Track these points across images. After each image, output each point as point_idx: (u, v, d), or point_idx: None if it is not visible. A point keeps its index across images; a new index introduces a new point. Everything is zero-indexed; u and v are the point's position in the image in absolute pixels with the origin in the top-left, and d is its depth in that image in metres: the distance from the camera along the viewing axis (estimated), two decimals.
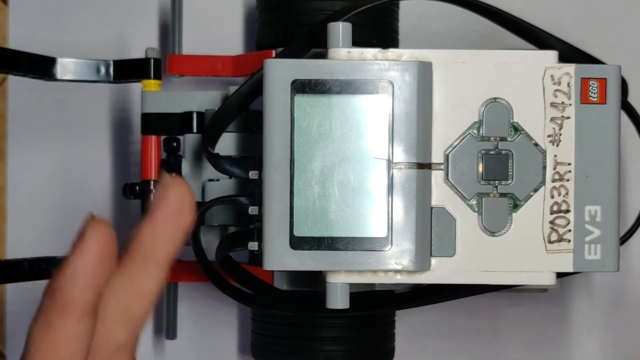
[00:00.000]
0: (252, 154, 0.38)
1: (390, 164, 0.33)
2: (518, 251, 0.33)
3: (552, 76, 0.34)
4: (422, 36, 0.48)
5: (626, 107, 0.39)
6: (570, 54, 0.37)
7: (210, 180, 0.42)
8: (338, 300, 0.33)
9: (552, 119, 0.34)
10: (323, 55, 0.34)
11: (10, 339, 0.50)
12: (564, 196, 0.34)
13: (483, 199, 0.33)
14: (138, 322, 0.28)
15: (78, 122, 0.50)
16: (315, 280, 0.39)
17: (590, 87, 0.34)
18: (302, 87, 0.33)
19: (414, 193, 0.33)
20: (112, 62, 0.44)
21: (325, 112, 0.33)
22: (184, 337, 0.49)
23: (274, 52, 0.42)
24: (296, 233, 0.33)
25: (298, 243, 0.33)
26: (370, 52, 0.33)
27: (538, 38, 0.38)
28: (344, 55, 0.33)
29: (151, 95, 0.44)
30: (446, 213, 0.33)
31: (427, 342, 0.49)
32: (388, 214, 0.33)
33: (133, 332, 0.27)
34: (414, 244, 0.33)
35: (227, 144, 0.41)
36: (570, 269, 0.34)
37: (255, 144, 0.41)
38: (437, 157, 0.33)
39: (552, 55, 0.34)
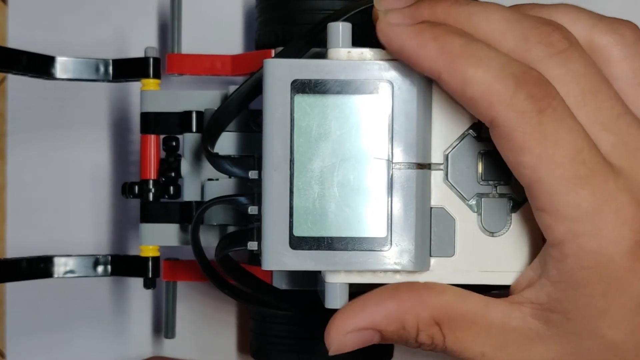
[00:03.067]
0: (251, 153, 0.38)
1: (389, 164, 0.33)
2: (517, 251, 0.33)
3: None
4: None
5: None
6: None
7: (210, 179, 0.42)
8: (337, 300, 0.33)
9: None
10: (323, 55, 0.34)
11: (10, 339, 0.50)
12: None
13: (482, 199, 0.33)
14: None
15: (77, 121, 0.50)
16: (314, 280, 0.39)
17: None
18: (302, 87, 0.33)
19: (413, 193, 0.33)
20: (111, 61, 0.44)
21: (325, 112, 0.33)
22: (183, 336, 0.49)
23: (273, 52, 0.42)
24: (296, 233, 0.33)
25: (297, 243, 0.33)
26: (370, 52, 0.33)
27: None
28: (344, 55, 0.33)
29: (150, 95, 0.44)
30: (445, 213, 0.33)
31: None
32: (387, 214, 0.33)
33: None
34: (414, 244, 0.33)
35: (226, 143, 0.41)
36: None
37: (255, 144, 0.41)
38: (436, 157, 0.33)
39: None
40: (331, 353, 0.33)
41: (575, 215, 0.29)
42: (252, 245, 0.35)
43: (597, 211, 0.28)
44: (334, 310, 0.33)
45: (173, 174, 0.43)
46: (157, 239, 0.43)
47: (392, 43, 0.30)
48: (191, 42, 0.48)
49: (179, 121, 0.43)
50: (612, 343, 0.30)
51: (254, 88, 0.38)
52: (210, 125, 0.39)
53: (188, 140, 0.43)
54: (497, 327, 0.31)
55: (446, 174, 0.33)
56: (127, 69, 0.44)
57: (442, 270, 0.33)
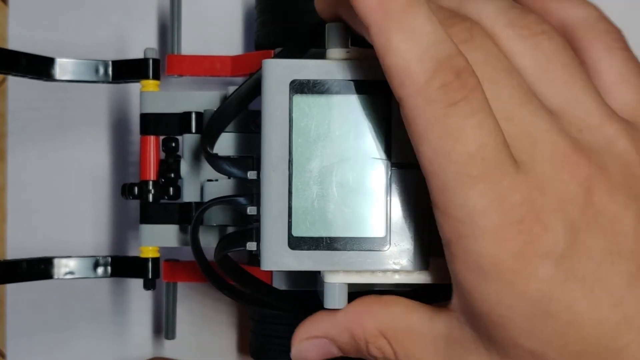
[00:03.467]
0: (250, 154, 0.38)
1: (388, 164, 0.33)
2: None
3: None
4: None
5: None
6: None
7: (209, 180, 0.42)
8: (336, 300, 0.33)
9: None
10: (322, 55, 0.34)
11: (10, 339, 0.50)
12: None
13: None
14: None
15: (77, 122, 0.50)
16: (314, 280, 0.39)
17: None
18: (300, 87, 0.33)
19: (412, 193, 0.33)
20: (110, 63, 0.44)
21: (324, 112, 0.33)
22: (183, 337, 0.49)
23: (272, 52, 0.42)
24: (294, 233, 0.33)
25: (296, 243, 0.33)
26: (369, 52, 0.33)
27: None
28: (343, 55, 0.33)
29: (150, 96, 0.44)
30: None
31: None
32: (386, 214, 0.33)
33: None
34: (413, 244, 0.33)
35: (225, 144, 0.41)
36: None
37: (254, 144, 0.41)
38: None
39: None
40: (292, 358, 0.33)
41: (460, 215, 0.27)
42: (251, 246, 0.35)
43: (483, 212, 0.27)
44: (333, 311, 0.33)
45: (172, 175, 0.43)
46: (156, 239, 0.43)
47: None
48: (191, 43, 0.48)
49: (179, 122, 0.43)
50: (533, 353, 0.28)
51: (253, 89, 0.38)
52: (209, 126, 0.39)
53: (187, 141, 0.43)
54: (443, 339, 0.30)
55: None
56: (126, 70, 0.44)
57: (441, 270, 0.33)
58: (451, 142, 0.27)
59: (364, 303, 0.32)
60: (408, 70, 0.27)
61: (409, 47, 0.27)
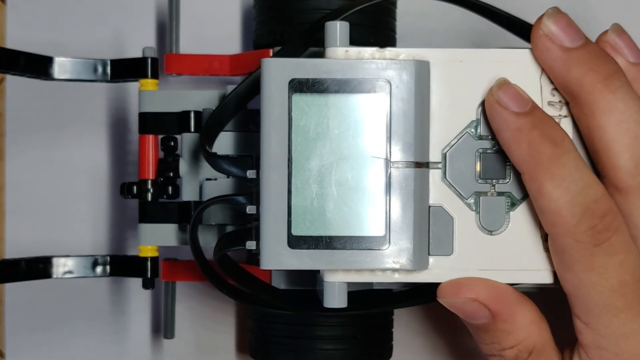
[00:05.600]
0: (249, 153, 0.38)
1: (388, 163, 0.33)
2: (515, 250, 0.33)
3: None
4: (419, 35, 0.48)
5: None
6: None
7: (208, 179, 0.42)
8: (336, 299, 0.33)
9: None
10: (320, 55, 0.34)
11: (10, 339, 0.50)
12: None
13: (480, 197, 0.33)
14: None
15: (76, 122, 0.50)
16: (313, 279, 0.39)
17: None
18: (299, 86, 0.33)
19: (411, 192, 0.33)
20: (109, 62, 0.44)
21: (323, 111, 0.33)
22: (182, 336, 0.49)
23: (271, 51, 0.42)
24: (294, 232, 0.33)
25: (296, 242, 0.33)
26: (368, 51, 0.33)
27: None
28: (342, 54, 0.33)
29: (148, 95, 0.44)
30: (444, 212, 0.33)
31: (425, 341, 0.49)
32: (386, 213, 0.33)
33: None
34: (412, 243, 0.33)
35: (224, 143, 0.41)
36: None
37: (253, 143, 0.41)
38: (434, 156, 0.33)
39: None
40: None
41: (603, 333, 0.32)
42: (251, 245, 0.35)
43: (624, 336, 0.31)
44: (332, 310, 0.33)
45: (171, 174, 0.43)
46: (155, 239, 0.43)
47: (493, 121, 0.32)
48: (189, 42, 0.48)
49: (177, 121, 0.43)
50: None
51: (252, 87, 0.38)
52: (208, 125, 0.39)
53: (186, 140, 0.43)
54: None
55: (444, 173, 0.34)
56: (125, 69, 0.44)
57: (440, 269, 0.33)
58: (595, 276, 0.31)
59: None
60: (559, 213, 0.31)
61: (561, 193, 0.31)
